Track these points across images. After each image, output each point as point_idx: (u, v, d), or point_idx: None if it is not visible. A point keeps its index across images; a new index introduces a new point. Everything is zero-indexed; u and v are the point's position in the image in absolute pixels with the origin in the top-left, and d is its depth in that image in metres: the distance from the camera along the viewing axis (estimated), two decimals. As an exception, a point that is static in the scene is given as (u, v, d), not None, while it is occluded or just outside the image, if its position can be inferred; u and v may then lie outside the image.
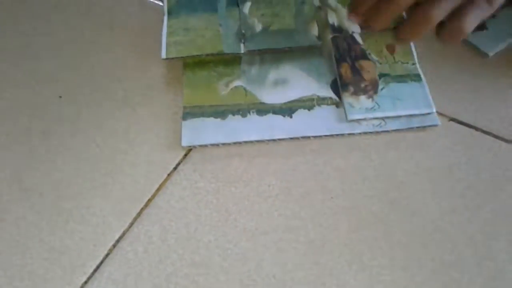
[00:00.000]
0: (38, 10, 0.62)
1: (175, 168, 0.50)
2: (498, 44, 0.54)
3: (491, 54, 0.54)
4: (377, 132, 0.50)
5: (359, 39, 0.56)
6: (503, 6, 0.55)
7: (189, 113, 0.52)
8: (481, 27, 0.56)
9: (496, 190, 0.46)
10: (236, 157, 0.50)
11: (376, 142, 0.50)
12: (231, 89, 0.54)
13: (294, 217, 0.46)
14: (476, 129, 0.50)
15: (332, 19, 0.57)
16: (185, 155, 0.50)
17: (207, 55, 0.55)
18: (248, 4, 0.60)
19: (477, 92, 0.52)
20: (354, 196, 0.47)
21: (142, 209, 0.47)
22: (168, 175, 0.49)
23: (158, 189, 0.48)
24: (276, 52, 0.56)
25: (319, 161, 0.49)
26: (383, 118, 0.51)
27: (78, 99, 0.55)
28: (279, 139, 0.50)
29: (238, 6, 0.60)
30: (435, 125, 0.50)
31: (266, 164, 0.49)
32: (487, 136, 0.50)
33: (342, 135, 0.50)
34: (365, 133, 0.50)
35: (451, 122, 0.51)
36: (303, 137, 0.50)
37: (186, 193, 0.48)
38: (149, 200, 0.48)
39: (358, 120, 0.51)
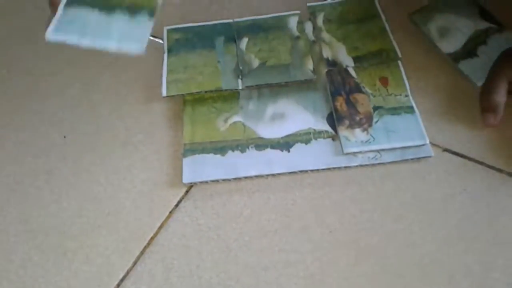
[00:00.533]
0: (43, 50, 0.65)
1: (176, 205, 0.51)
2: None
3: (479, 84, 0.55)
4: (373, 165, 0.51)
5: (352, 72, 0.57)
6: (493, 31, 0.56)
7: (190, 149, 0.53)
8: (472, 54, 0.57)
9: (491, 220, 0.47)
10: (236, 192, 0.51)
11: (372, 174, 0.51)
12: (230, 124, 0.55)
13: (293, 252, 0.47)
14: (470, 159, 0.51)
15: (327, 53, 0.59)
16: (186, 191, 0.52)
17: (206, 91, 0.57)
18: (245, 40, 0.62)
19: (469, 122, 0.53)
20: (352, 229, 0.48)
21: (145, 248, 0.48)
22: (170, 212, 0.51)
23: (160, 227, 0.50)
24: (273, 87, 0.57)
25: (317, 195, 0.50)
26: (378, 151, 0.52)
27: (81, 138, 0.56)
28: (278, 174, 0.52)
29: (235, 42, 0.62)
30: (429, 156, 0.51)
31: (265, 199, 0.51)
32: (480, 166, 0.51)
33: (339, 168, 0.51)
34: (361, 165, 0.51)
35: (445, 153, 0.52)
36: (301, 171, 0.52)
37: (188, 230, 0.49)
38: (152, 238, 0.49)
39: (354, 153, 0.52)
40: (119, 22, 0.43)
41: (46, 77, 0.62)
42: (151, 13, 0.44)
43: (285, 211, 0.49)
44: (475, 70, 0.56)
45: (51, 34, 0.42)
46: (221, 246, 0.48)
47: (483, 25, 0.59)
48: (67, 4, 0.43)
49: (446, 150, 0.52)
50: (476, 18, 0.60)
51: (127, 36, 0.43)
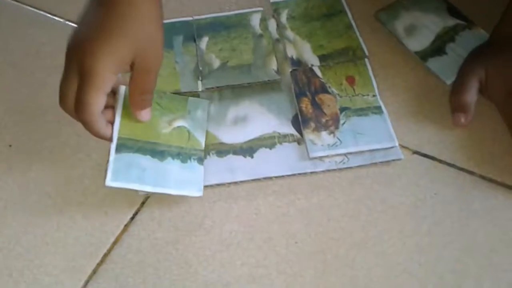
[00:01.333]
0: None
1: (132, 218, 0.47)
2: (456, 72, 0.53)
3: (449, 82, 0.53)
4: (340, 169, 0.49)
5: (318, 72, 0.54)
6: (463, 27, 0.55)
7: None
8: (440, 52, 0.55)
9: (462, 225, 0.45)
10: (196, 202, 0.48)
11: (340, 179, 0.48)
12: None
13: (257, 266, 0.44)
14: (440, 161, 0.49)
15: (291, 52, 0.56)
16: (143, 203, 0.48)
17: (163, 91, 0.53)
18: (206, 39, 0.58)
19: (439, 123, 0.51)
20: (319, 239, 0.45)
21: (98, 265, 0.45)
22: (125, 226, 0.47)
23: (114, 242, 0.46)
24: (234, 88, 0.54)
25: (282, 203, 0.47)
26: (345, 154, 0.49)
27: (29, 147, 0.52)
28: (241, 181, 0.49)
29: (195, 41, 0.58)
30: (399, 159, 0.49)
31: (227, 209, 0.47)
32: (451, 169, 0.49)
33: (305, 173, 0.49)
34: (328, 170, 0.49)
35: (415, 155, 0.50)
36: (265, 178, 0.49)
37: (144, 245, 0.46)
38: (105, 255, 0.45)
39: (320, 158, 0.49)
40: (173, 168, 0.47)
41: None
42: (200, 159, 0.48)
43: (248, 222, 0.47)
44: (444, 68, 0.54)
45: (111, 181, 0.44)
46: (180, 262, 0.45)
47: (451, 21, 0.57)
48: (118, 150, 0.45)
49: (415, 152, 0.50)
50: (444, 15, 0.58)
51: (184, 182, 0.46)
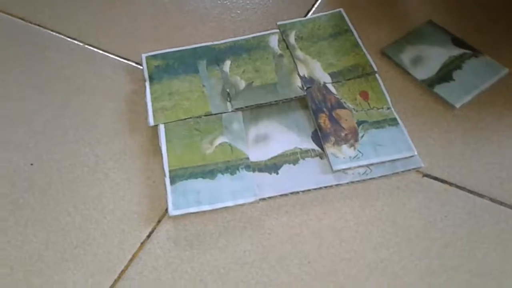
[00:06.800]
0: (10, 76, 0.62)
1: (148, 236, 0.49)
2: (464, 96, 0.55)
3: (457, 105, 0.54)
4: (364, 180, 0.50)
5: (332, 89, 0.56)
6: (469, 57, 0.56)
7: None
8: (448, 79, 0.57)
9: (473, 248, 0.46)
10: (211, 222, 0.49)
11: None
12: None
13: (271, 285, 0.45)
14: (450, 184, 0.50)
15: (302, 71, 0.58)
16: (159, 221, 0.50)
17: (196, 117, 0.55)
18: (228, 62, 0.60)
19: (448, 146, 0.52)
20: (332, 260, 0.46)
21: (115, 281, 0.46)
22: (142, 243, 0.48)
23: (131, 259, 0.47)
24: (262, 107, 0.56)
25: (295, 223, 0.48)
26: (368, 166, 0.51)
27: (49, 166, 0.54)
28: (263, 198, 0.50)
29: (218, 65, 0.60)
30: (419, 167, 0.50)
31: (241, 229, 0.49)
32: (461, 192, 0.49)
33: (330, 186, 0.50)
34: (353, 182, 0.50)
35: (425, 178, 0.51)
36: (292, 193, 0.50)
37: (160, 263, 0.47)
38: (122, 271, 0.47)
39: (343, 170, 0.50)
40: (225, 182, 0.50)
41: (14, 102, 0.59)
42: (248, 167, 0.51)
43: (261, 241, 0.48)
44: (451, 92, 0.55)
45: (173, 211, 0.48)
46: (195, 280, 0.46)
47: (457, 51, 0.59)
48: (172, 182, 0.50)
49: (426, 175, 0.51)
50: (449, 46, 0.60)
51: (238, 192, 0.50)
